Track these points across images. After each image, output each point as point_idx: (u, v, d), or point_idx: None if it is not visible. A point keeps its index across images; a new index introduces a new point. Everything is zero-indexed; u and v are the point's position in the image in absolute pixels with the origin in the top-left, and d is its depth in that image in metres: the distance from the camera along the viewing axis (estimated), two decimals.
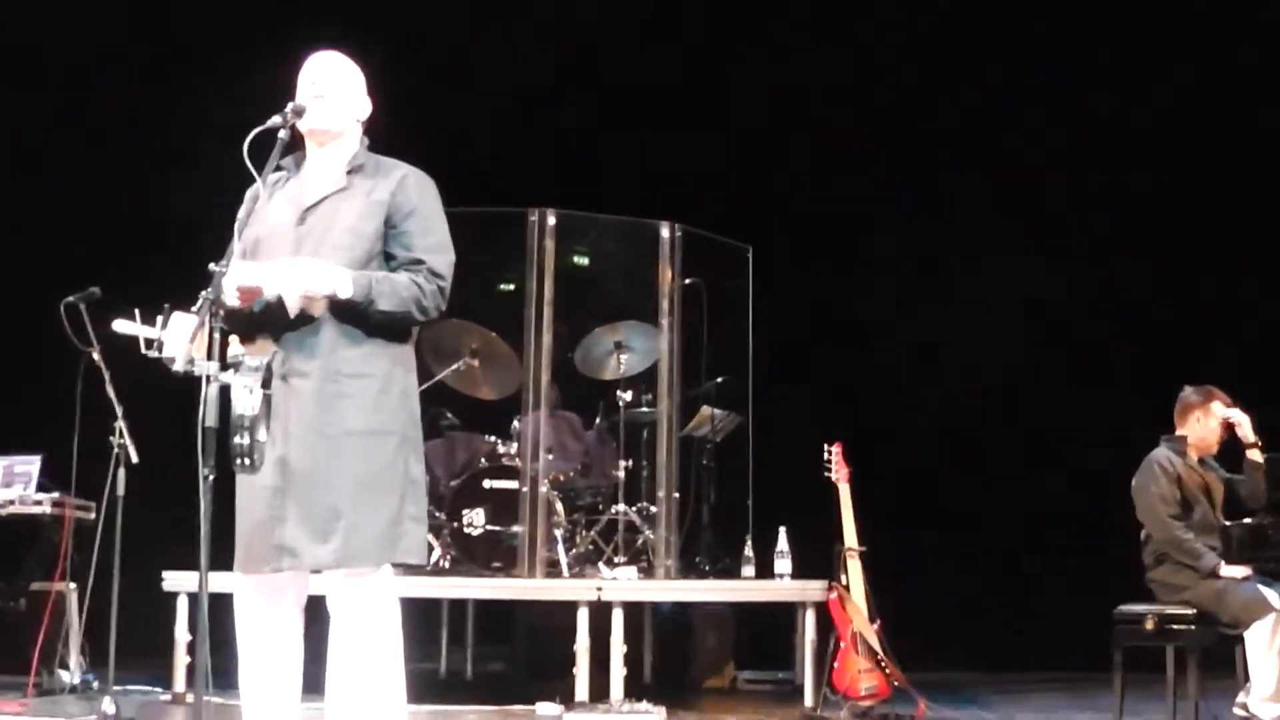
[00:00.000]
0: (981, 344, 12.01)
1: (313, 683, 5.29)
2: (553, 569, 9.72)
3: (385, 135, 5.63)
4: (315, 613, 5.28)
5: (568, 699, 8.66)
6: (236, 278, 4.96)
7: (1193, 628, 7.68)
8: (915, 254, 12.47)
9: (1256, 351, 11.32)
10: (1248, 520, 7.63)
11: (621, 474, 10.40)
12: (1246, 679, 7.82)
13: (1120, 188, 12.25)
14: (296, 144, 5.39)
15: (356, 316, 5.16)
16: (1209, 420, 8.19)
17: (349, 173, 5.39)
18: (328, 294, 5.07)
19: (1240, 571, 7.70)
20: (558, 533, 9.88)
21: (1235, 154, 11.84)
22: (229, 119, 5.67)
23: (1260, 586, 7.69)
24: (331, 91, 5.39)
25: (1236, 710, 7.97)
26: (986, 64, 12.42)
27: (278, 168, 5.34)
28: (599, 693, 8.71)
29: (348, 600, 5.19)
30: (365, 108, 5.54)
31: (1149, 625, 7.75)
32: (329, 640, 5.22)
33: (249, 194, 5.29)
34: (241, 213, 5.25)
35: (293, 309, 5.10)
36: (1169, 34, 12.03)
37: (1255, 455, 8.02)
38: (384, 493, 5.19)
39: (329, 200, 5.32)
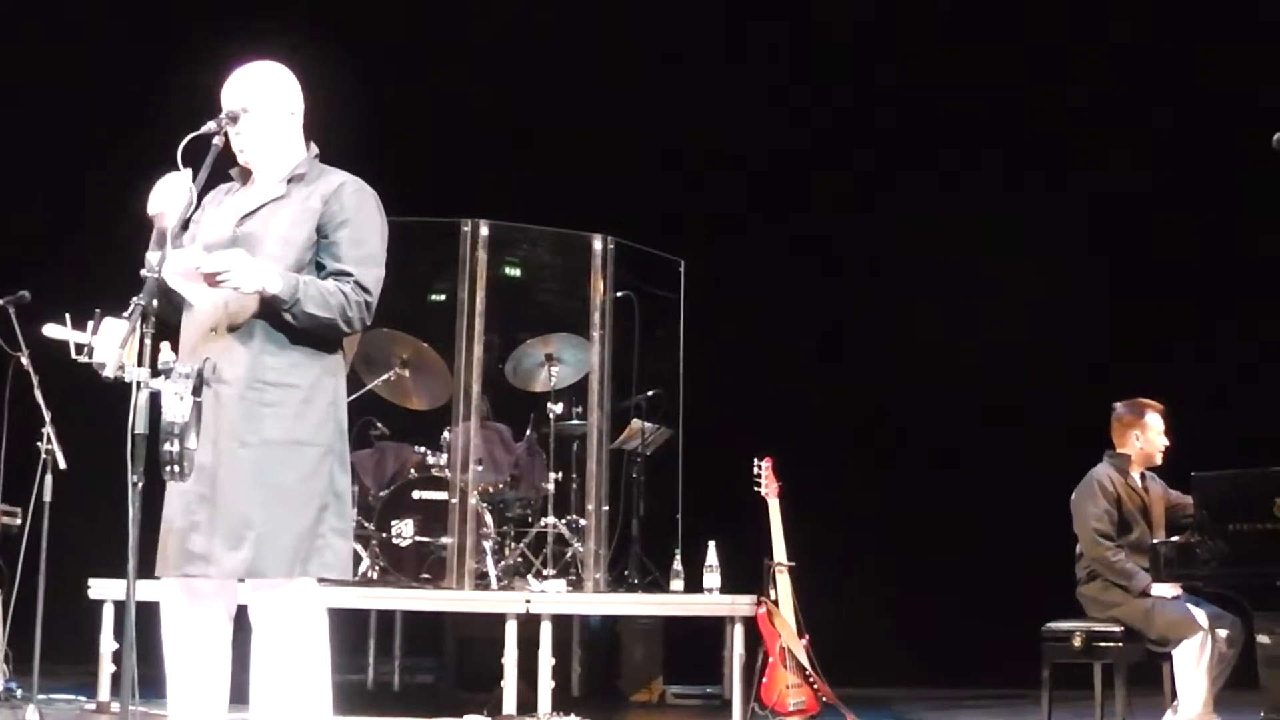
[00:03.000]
0: (917, 358, 12.04)
1: (241, 692, 5.25)
2: (481, 581, 9.68)
3: (319, 142, 5.57)
4: (244, 622, 5.24)
5: (495, 711, 8.64)
6: (178, 264, 4.93)
7: (1120, 645, 7.77)
8: (848, 269, 12.52)
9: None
10: (1175, 539, 7.65)
11: (551, 486, 10.35)
12: (1174, 697, 7.85)
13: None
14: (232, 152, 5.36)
15: (282, 318, 5.11)
16: (1148, 434, 8.24)
17: (289, 181, 5.36)
18: (256, 289, 5.02)
19: (1170, 590, 7.76)
20: (487, 545, 9.83)
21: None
22: (161, 121, 5.64)
23: (1189, 605, 7.76)
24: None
25: None
26: (929, 77, 12.45)
27: (228, 178, 5.30)
28: (527, 705, 8.67)
29: (264, 611, 5.16)
30: (296, 111, 5.48)
31: (1077, 642, 7.82)
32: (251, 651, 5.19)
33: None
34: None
35: (236, 287, 5.02)
36: None
37: None
38: (300, 504, 5.14)
39: (266, 208, 5.30)
